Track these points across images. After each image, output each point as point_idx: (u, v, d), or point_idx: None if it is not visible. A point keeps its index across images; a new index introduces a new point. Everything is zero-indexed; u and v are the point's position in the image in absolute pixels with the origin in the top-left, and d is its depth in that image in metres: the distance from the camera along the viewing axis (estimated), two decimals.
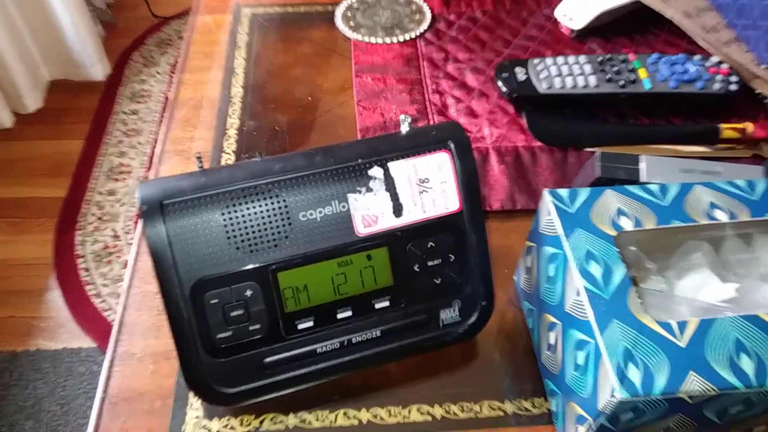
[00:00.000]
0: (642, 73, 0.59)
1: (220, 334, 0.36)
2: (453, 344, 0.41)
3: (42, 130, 1.67)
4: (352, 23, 0.71)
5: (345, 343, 0.39)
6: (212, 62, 0.67)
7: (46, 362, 1.23)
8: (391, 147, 0.38)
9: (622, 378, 0.31)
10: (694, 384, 0.31)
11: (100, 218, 1.49)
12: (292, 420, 0.41)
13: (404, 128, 0.39)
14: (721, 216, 0.38)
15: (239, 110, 0.61)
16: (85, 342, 1.26)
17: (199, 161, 0.37)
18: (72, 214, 1.49)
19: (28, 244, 1.43)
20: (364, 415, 0.41)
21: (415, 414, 0.41)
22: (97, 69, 1.79)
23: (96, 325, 1.29)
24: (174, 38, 1.99)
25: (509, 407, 0.42)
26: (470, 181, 0.39)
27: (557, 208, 0.39)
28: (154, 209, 0.35)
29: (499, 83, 0.60)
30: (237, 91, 0.63)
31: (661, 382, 0.31)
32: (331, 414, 0.41)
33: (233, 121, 0.60)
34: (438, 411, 0.42)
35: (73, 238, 1.44)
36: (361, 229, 0.38)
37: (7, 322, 1.29)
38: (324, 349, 0.38)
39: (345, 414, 0.41)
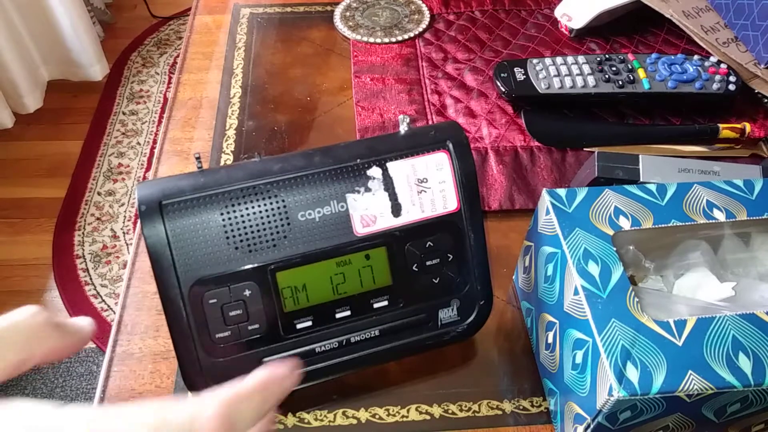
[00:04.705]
0: (641, 73, 0.59)
1: (219, 333, 0.36)
2: (451, 344, 0.41)
3: (41, 130, 1.68)
4: (351, 23, 0.71)
5: (344, 343, 0.39)
6: (211, 62, 0.67)
7: None
8: (390, 147, 0.38)
9: (621, 377, 0.31)
10: (692, 383, 0.31)
11: (99, 218, 1.49)
12: (290, 419, 0.41)
13: (403, 128, 0.39)
14: (719, 215, 0.38)
15: (238, 110, 0.61)
16: None
17: (198, 161, 0.37)
18: (71, 214, 1.49)
19: (27, 245, 1.43)
20: (363, 415, 0.41)
21: (413, 413, 0.41)
22: (96, 69, 1.79)
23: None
24: (173, 38, 2.00)
25: (508, 406, 0.42)
26: (469, 181, 0.39)
27: (556, 207, 0.39)
28: (152, 209, 0.35)
29: (498, 83, 0.60)
30: (236, 91, 0.63)
31: (659, 380, 0.31)
32: (330, 413, 0.41)
33: (232, 122, 0.60)
34: (437, 410, 0.42)
35: (72, 239, 1.44)
36: (360, 229, 0.38)
37: None
38: (323, 348, 0.38)
39: (344, 413, 0.41)
